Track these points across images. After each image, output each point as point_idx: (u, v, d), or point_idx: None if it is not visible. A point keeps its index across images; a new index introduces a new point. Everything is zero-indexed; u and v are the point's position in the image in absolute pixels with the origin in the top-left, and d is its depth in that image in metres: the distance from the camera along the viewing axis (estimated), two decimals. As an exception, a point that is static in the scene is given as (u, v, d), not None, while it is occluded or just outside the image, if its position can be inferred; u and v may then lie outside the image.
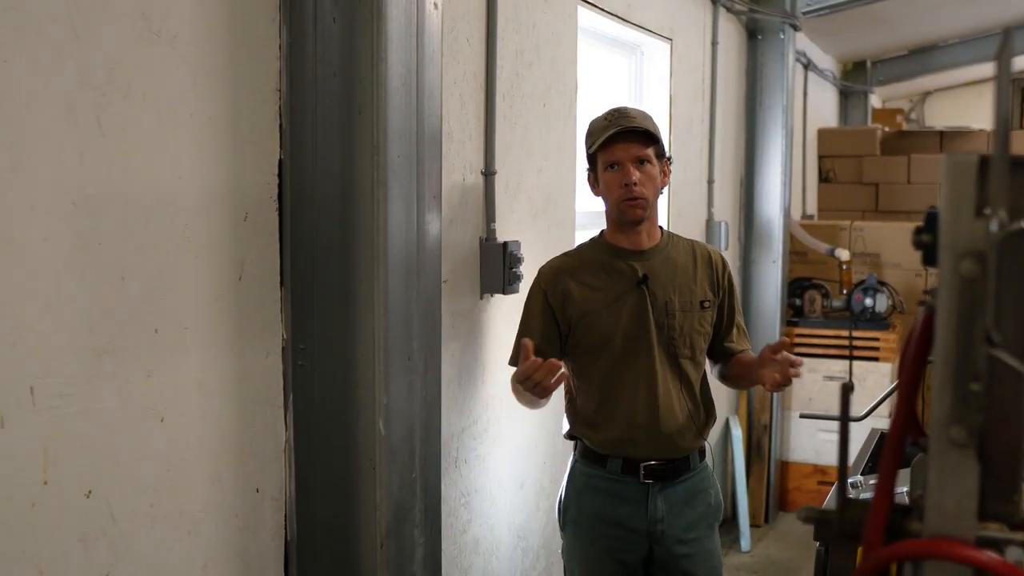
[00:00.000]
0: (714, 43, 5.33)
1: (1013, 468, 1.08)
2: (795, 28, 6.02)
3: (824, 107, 8.92)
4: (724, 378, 3.10)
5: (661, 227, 2.97)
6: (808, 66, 7.84)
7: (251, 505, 2.19)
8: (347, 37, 2.17)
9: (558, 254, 3.00)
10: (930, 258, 1.06)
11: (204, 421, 2.05)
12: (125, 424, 1.85)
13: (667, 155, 2.90)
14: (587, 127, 2.90)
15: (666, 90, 4.82)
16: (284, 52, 2.18)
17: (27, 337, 1.66)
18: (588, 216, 4.06)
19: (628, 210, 2.80)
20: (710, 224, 5.49)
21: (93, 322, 1.78)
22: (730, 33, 5.75)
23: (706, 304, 2.91)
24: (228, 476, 2.11)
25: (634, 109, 2.89)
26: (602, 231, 2.95)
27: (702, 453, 2.95)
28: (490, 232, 3.15)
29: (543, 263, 2.96)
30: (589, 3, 3.88)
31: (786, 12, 5.90)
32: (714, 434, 5.88)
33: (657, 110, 4.83)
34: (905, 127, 10.36)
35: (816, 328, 6.26)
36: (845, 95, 9.98)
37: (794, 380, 2.73)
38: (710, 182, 5.48)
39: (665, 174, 2.88)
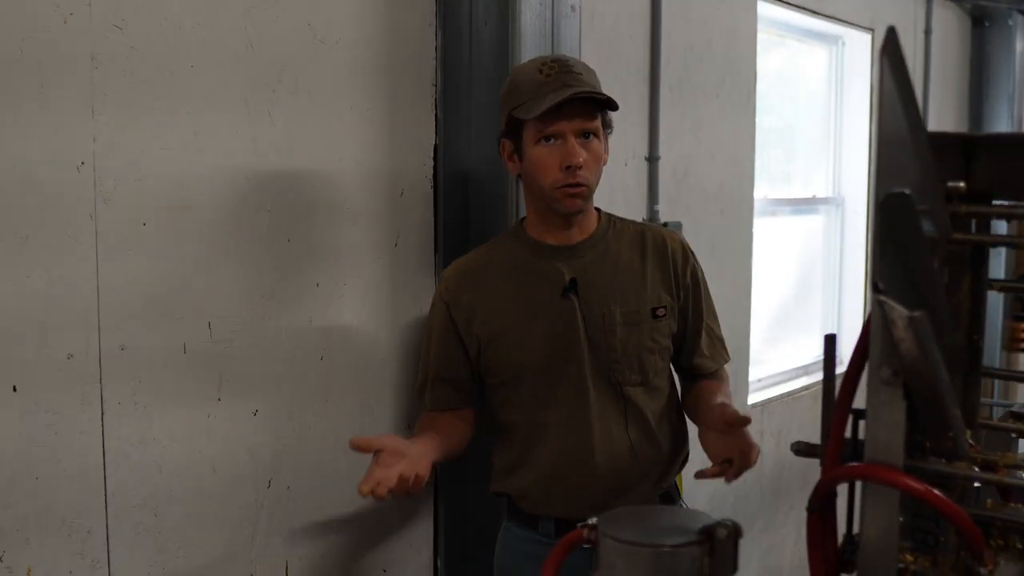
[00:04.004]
0: (927, 32, 5.28)
1: (939, 405, 1.26)
2: (1024, 14, 5.84)
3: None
4: (684, 407, 2.37)
5: (598, 209, 2.29)
6: (1055, 52, 7.47)
7: (404, 435, 2.55)
8: (496, 39, 2.49)
9: (469, 253, 2.36)
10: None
11: (359, 363, 2.43)
12: (288, 359, 2.27)
13: (610, 125, 2.21)
14: (508, 79, 2.21)
15: (866, 81, 4.85)
16: (440, 53, 2.53)
17: (205, 283, 2.09)
18: (766, 204, 4.17)
19: (565, 200, 2.13)
20: (923, 213, 5.42)
21: (261, 273, 2.19)
22: (949, 21, 5.66)
23: (660, 312, 2.22)
24: (381, 409, 2.49)
25: (576, 60, 2.19)
26: (522, 219, 2.31)
27: (668, 499, 2.30)
28: (653, 213, 3.39)
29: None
30: (772, -3, 4.03)
31: (1013, -3, 5.74)
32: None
33: (858, 100, 4.88)
34: None
35: (1045, 322, 6.02)
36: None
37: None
38: (923, 171, 5.40)
39: (606, 151, 2.20)
